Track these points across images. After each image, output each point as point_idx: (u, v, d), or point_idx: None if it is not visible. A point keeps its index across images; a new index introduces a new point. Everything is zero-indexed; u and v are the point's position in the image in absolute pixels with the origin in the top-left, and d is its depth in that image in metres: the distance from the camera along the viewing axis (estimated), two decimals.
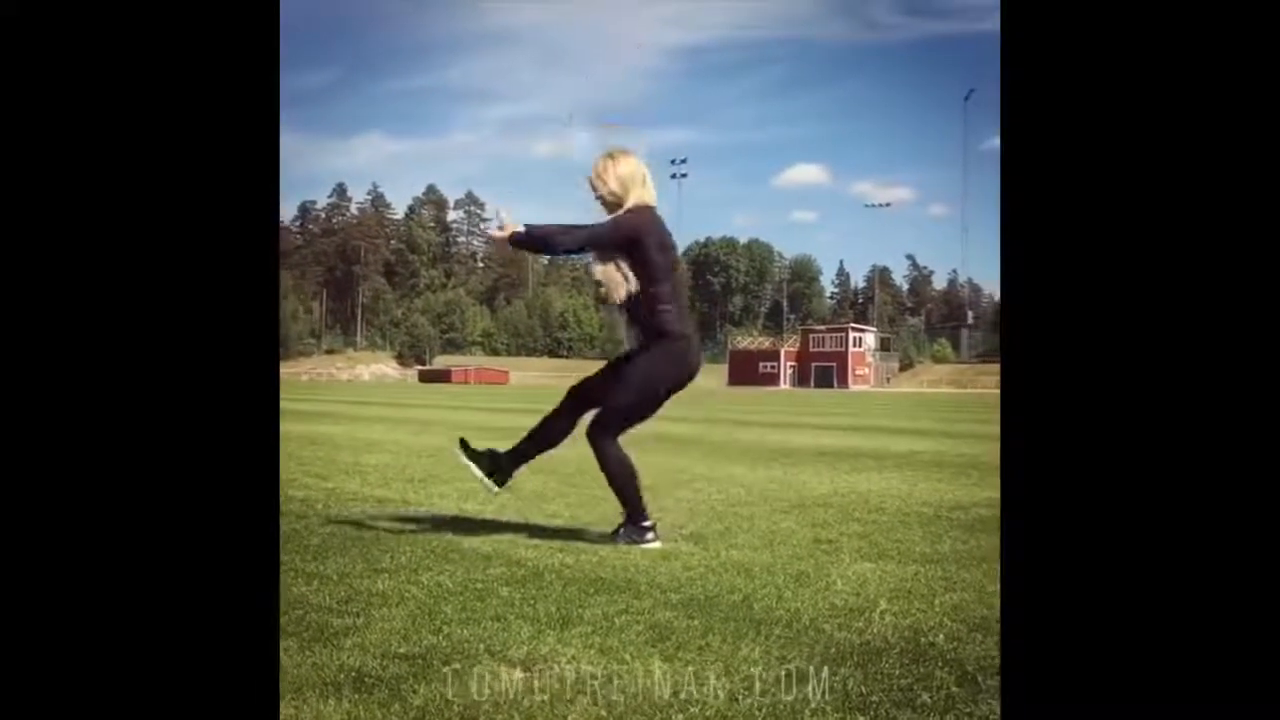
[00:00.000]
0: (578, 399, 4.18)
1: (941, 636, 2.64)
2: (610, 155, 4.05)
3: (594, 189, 4.06)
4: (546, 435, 4.20)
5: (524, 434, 4.24)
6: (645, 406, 4.08)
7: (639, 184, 4.01)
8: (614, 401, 4.06)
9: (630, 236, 3.93)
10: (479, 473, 4.17)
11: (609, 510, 4.80)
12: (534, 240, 4.07)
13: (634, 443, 4.19)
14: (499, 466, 4.18)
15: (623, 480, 4.06)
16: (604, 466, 4.07)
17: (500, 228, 4.09)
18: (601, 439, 4.05)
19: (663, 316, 3.97)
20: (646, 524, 4.03)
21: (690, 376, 4.10)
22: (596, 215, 4.07)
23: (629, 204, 3.99)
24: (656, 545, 3.94)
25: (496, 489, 4.19)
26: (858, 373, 79.99)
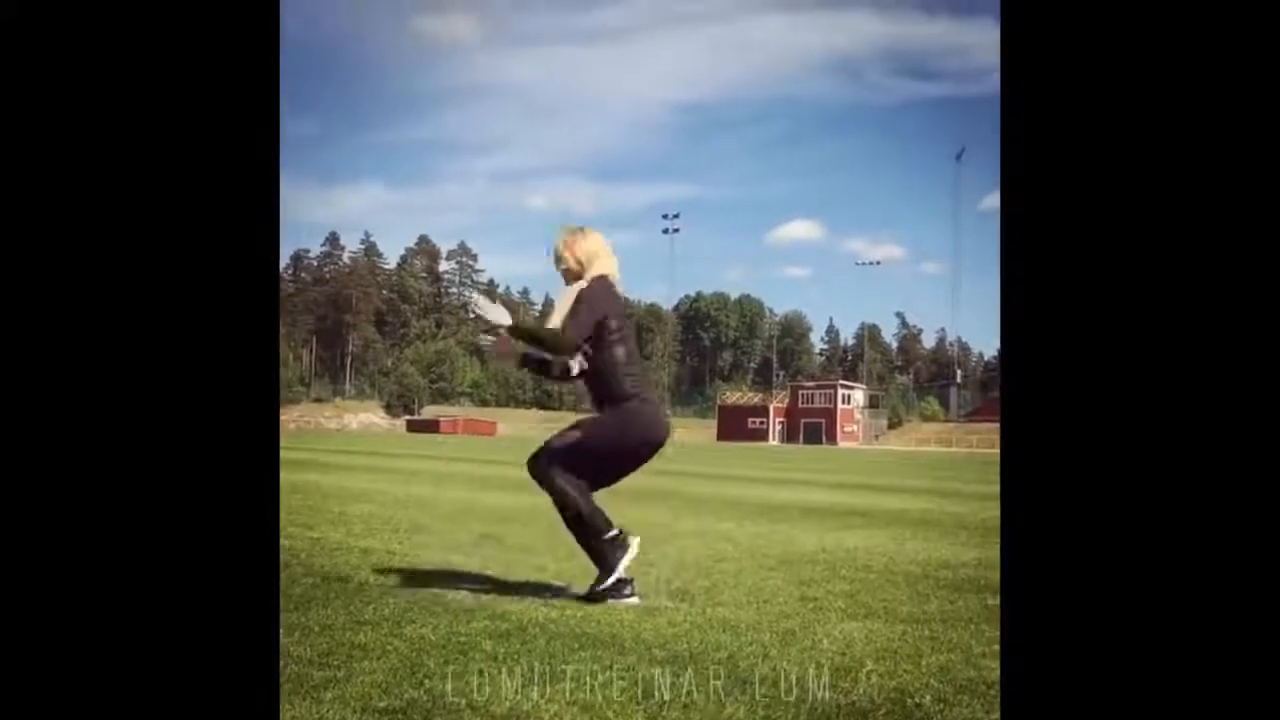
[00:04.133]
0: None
1: (928, 698, 2.62)
2: (573, 232, 4.19)
3: (557, 262, 4.17)
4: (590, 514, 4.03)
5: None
6: (601, 465, 4.00)
7: (601, 258, 4.12)
8: (563, 440, 4.01)
9: (599, 314, 3.99)
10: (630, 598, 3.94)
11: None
12: (522, 332, 4.07)
13: (618, 497, 4.18)
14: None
15: (573, 519, 3.99)
16: (554, 498, 4.02)
17: (491, 330, 4.08)
18: (544, 470, 3.99)
19: (625, 381, 3.99)
20: (614, 579, 3.93)
21: (657, 442, 4.05)
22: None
23: (590, 274, 4.07)
24: (634, 601, 3.90)
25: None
26: (846, 429, 79.95)
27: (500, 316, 4.01)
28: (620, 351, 4.01)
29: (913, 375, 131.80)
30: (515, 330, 4.04)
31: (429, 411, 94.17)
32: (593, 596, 3.91)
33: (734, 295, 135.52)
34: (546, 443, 4.09)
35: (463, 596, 3.93)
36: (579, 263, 4.10)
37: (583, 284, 4.05)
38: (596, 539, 3.96)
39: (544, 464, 4.01)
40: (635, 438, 4.01)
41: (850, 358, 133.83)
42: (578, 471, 3.99)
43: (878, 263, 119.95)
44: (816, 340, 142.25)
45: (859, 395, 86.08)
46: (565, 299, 4.04)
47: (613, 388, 4.00)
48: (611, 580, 3.91)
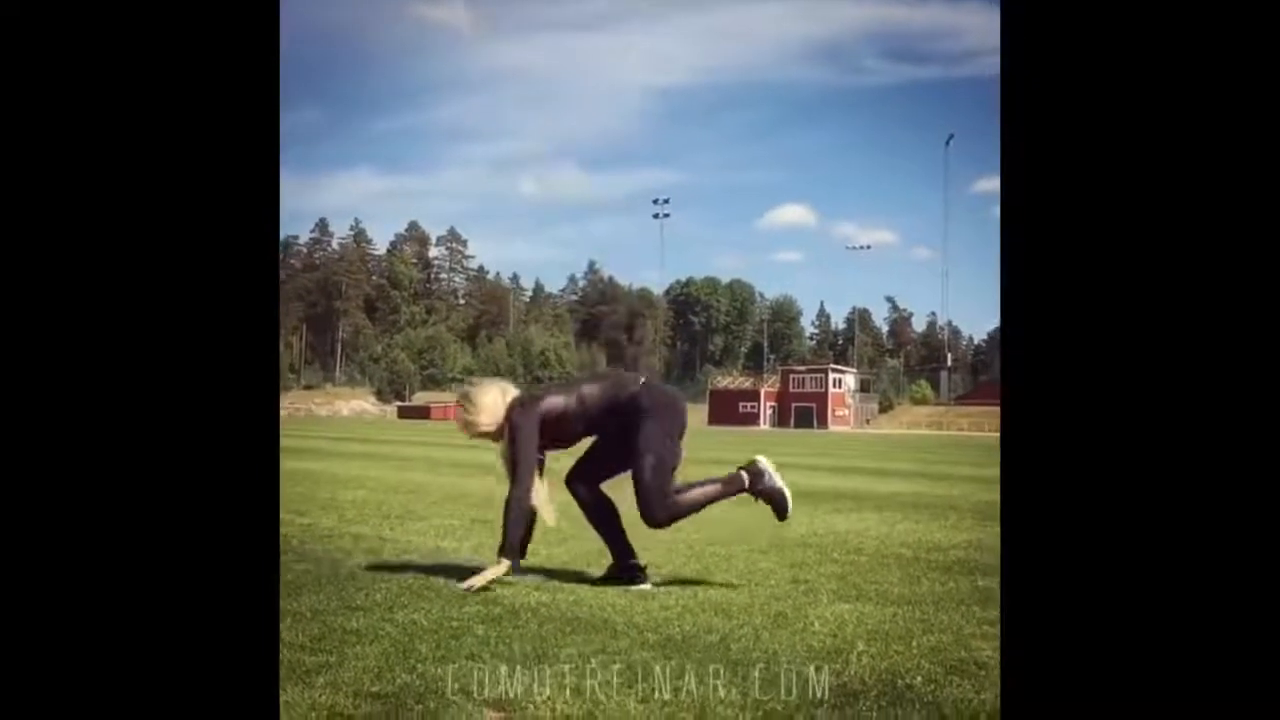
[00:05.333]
0: (585, 480, 4.14)
1: (919, 679, 2.63)
2: (463, 403, 4.03)
3: (477, 434, 4.04)
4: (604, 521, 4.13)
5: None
6: (673, 457, 4.06)
7: (501, 398, 4.00)
8: (650, 474, 3.97)
9: (533, 427, 3.91)
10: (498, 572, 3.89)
11: (586, 548, 4.78)
12: (517, 543, 3.88)
13: (611, 483, 4.18)
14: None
15: (607, 522, 4.11)
16: (586, 511, 4.13)
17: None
18: (667, 511, 4.02)
19: (624, 394, 4.02)
20: (635, 563, 4.06)
21: (684, 409, 4.19)
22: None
23: (503, 419, 3.96)
24: (646, 586, 3.95)
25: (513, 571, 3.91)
26: (837, 413, 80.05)
27: (498, 572, 3.79)
28: (590, 390, 4.01)
29: (903, 359, 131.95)
30: (515, 553, 3.84)
31: (420, 398, 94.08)
32: (607, 580, 4.02)
33: (725, 280, 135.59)
34: (643, 487, 3.96)
35: (454, 581, 3.94)
36: (488, 414, 3.97)
37: (511, 430, 3.93)
38: (618, 527, 4.12)
39: (660, 509, 3.97)
40: (675, 421, 4.09)
41: (841, 342, 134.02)
42: (670, 474, 4.02)
43: (868, 247, 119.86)
44: (807, 324, 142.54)
45: (850, 379, 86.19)
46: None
47: (619, 404, 4.00)
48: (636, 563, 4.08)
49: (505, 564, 3.77)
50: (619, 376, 4.14)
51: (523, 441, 3.89)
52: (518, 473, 3.87)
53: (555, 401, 3.98)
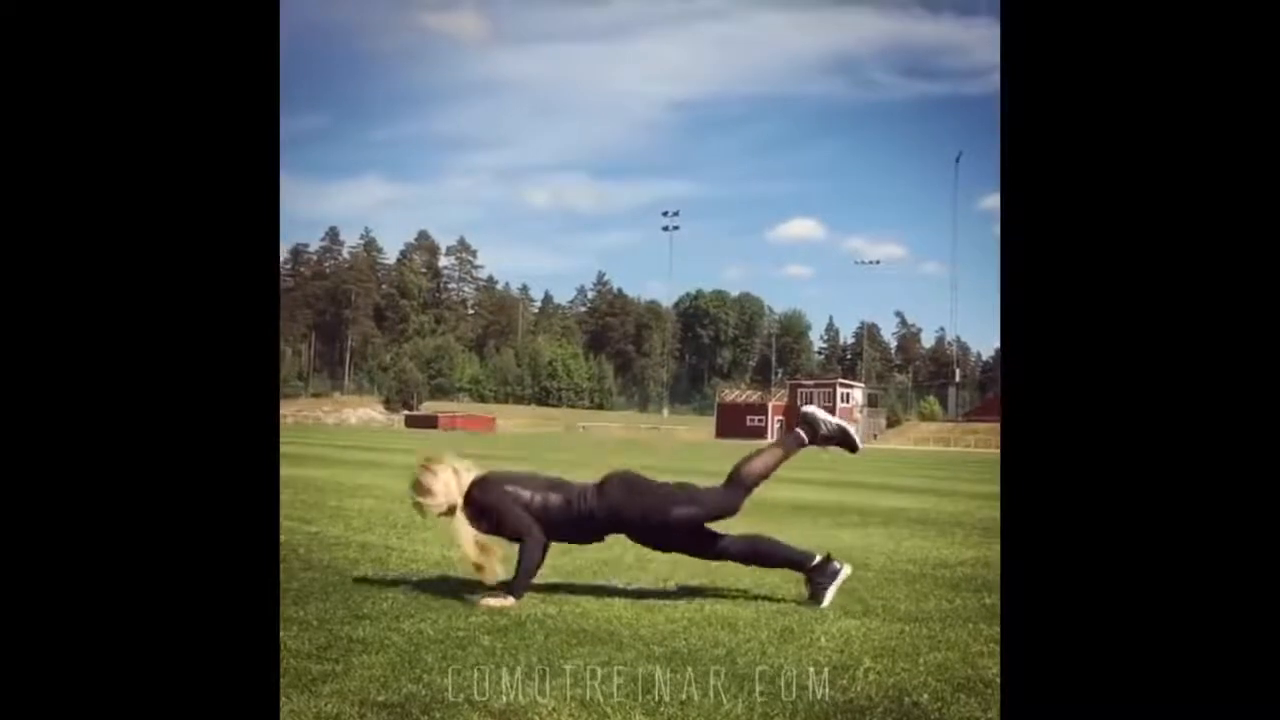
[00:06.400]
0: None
1: (926, 696, 2.62)
2: (423, 481, 3.91)
3: (429, 508, 3.93)
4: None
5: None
6: (674, 495, 4.05)
7: (455, 479, 3.91)
8: (693, 519, 4.01)
9: (510, 499, 3.86)
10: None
11: (592, 559, 4.78)
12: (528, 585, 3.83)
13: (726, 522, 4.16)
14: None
15: (764, 553, 4.09)
16: (739, 560, 4.11)
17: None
18: (712, 547, 4.05)
19: (596, 498, 3.93)
20: (817, 561, 4.02)
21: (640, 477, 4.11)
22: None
23: (463, 495, 3.89)
24: (848, 570, 4.02)
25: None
26: None
27: (505, 605, 3.68)
28: (554, 499, 3.90)
29: (911, 374, 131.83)
30: (524, 591, 3.80)
31: (428, 407, 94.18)
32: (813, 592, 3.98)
33: (734, 293, 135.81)
34: (707, 517, 4.04)
35: (461, 591, 3.93)
36: (442, 496, 3.88)
37: (460, 509, 3.85)
38: (777, 549, 4.12)
39: (728, 506, 4.04)
40: (642, 485, 4.07)
41: (849, 356, 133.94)
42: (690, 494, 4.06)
43: (877, 262, 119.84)
44: (816, 339, 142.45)
45: (858, 394, 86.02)
46: (464, 533, 3.84)
47: (582, 516, 3.90)
48: (818, 560, 4.03)
49: (512, 600, 3.73)
50: (578, 491, 3.96)
51: (505, 506, 3.83)
52: (525, 522, 3.81)
53: (520, 493, 3.88)
